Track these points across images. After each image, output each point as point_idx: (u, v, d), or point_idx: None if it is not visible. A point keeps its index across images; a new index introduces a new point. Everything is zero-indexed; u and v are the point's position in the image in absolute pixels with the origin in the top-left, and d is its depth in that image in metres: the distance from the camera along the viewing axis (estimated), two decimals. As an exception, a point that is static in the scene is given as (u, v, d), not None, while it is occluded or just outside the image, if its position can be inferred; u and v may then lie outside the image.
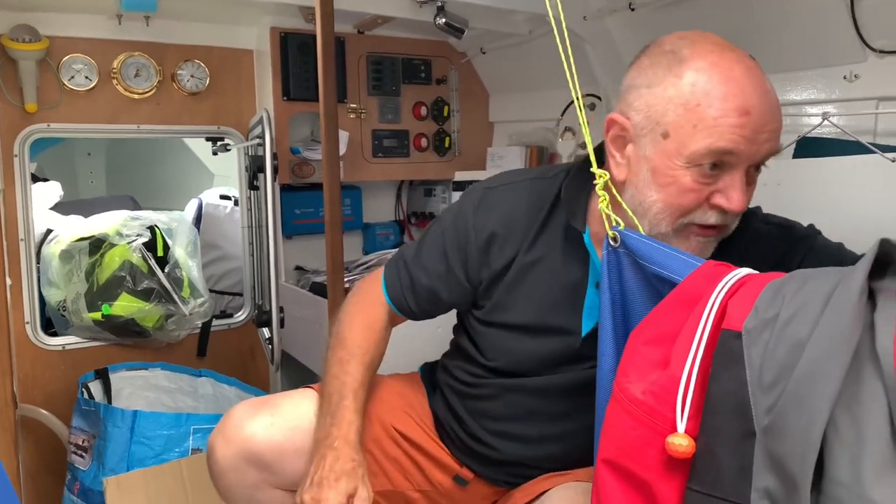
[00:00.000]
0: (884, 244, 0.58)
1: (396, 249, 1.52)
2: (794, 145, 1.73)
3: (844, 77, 1.62)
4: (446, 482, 1.28)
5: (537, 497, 1.17)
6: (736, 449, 0.60)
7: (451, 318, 1.35)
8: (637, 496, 0.69)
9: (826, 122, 1.65)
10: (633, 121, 0.97)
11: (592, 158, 0.91)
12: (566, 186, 1.12)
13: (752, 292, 0.65)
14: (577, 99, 0.94)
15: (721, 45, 0.99)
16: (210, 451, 1.21)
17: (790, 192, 1.69)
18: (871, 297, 0.58)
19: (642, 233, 0.87)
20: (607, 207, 0.86)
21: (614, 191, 0.88)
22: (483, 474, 1.26)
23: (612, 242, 0.85)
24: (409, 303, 1.26)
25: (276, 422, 1.20)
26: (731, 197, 0.93)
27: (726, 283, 0.67)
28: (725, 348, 0.63)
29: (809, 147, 1.70)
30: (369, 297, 1.30)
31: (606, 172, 0.89)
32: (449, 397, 1.28)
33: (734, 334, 0.63)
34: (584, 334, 1.11)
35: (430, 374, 1.39)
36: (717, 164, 0.92)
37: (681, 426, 0.63)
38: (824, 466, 0.56)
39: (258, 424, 1.19)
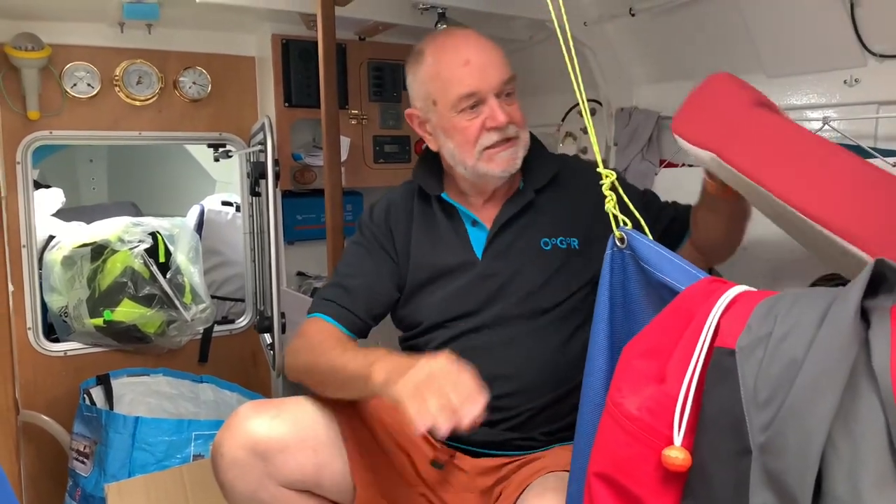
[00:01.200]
0: (878, 264, 0.59)
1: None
2: (794, 150, 1.73)
3: (845, 81, 1.62)
4: (428, 470, 1.29)
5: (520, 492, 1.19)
6: (731, 466, 0.61)
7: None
8: (631, 512, 0.69)
9: (827, 127, 1.65)
10: (418, 107, 1.37)
11: (599, 160, 0.92)
12: (415, 170, 1.47)
13: (745, 310, 0.65)
14: (583, 103, 0.94)
15: (446, 31, 1.39)
16: (216, 447, 1.22)
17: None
18: (865, 315, 0.58)
19: (648, 235, 0.85)
20: (614, 207, 0.86)
21: (621, 191, 0.88)
22: (461, 445, 1.29)
23: (618, 243, 0.84)
24: (353, 309, 1.34)
25: (282, 415, 1.23)
26: (495, 117, 1.27)
27: (723, 301, 0.67)
28: (718, 365, 0.63)
29: (810, 152, 1.70)
30: (315, 333, 1.32)
31: (613, 172, 0.89)
32: None
33: (727, 352, 0.63)
34: (479, 257, 1.36)
35: None
36: (473, 103, 1.27)
37: (677, 440, 0.63)
38: (822, 482, 0.56)
39: (263, 418, 1.21)
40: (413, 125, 1.41)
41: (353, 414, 1.30)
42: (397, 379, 1.01)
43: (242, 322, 2.66)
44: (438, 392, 0.94)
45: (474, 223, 1.39)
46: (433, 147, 1.38)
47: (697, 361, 0.65)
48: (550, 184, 1.38)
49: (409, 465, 1.30)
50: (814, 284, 1.60)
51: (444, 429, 0.91)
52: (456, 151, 1.32)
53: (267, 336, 2.20)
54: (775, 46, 1.74)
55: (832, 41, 1.60)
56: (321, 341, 1.29)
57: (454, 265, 1.36)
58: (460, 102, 1.28)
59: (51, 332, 2.44)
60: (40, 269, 2.36)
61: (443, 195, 1.40)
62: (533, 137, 1.41)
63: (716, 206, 1.26)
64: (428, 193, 1.42)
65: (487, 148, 1.29)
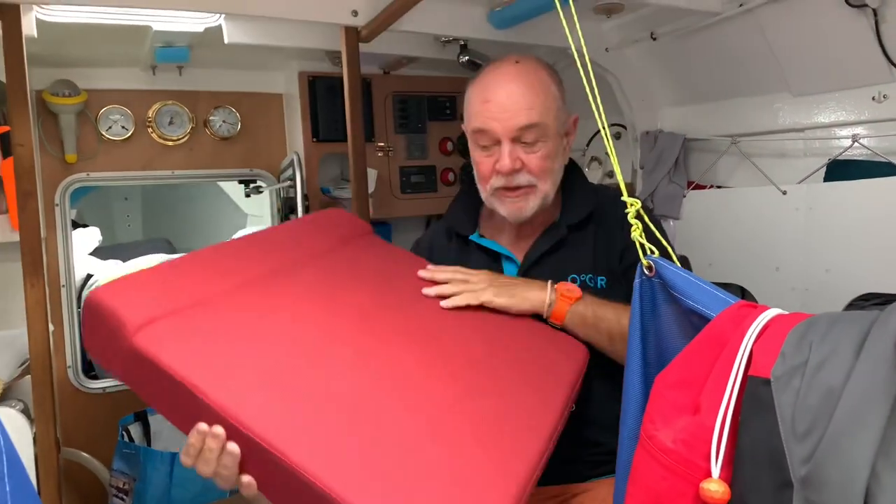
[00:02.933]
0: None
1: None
2: (824, 169, 1.71)
3: (873, 98, 1.60)
4: None
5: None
6: (772, 499, 0.59)
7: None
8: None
9: (856, 144, 1.63)
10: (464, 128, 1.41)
11: (623, 187, 0.90)
12: (448, 210, 1.54)
13: (778, 336, 0.64)
14: (604, 129, 0.94)
15: (500, 62, 1.35)
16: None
17: (822, 216, 1.67)
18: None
19: (676, 263, 0.85)
20: (641, 236, 0.84)
21: (647, 219, 0.87)
22: None
23: (646, 272, 0.83)
24: None
25: None
26: (501, 162, 1.28)
27: (755, 327, 0.66)
28: (754, 396, 0.62)
29: (840, 170, 1.68)
30: None
31: (638, 200, 0.88)
32: None
33: (762, 381, 0.62)
34: None
35: None
36: (488, 142, 1.30)
37: (715, 472, 0.62)
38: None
39: None
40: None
41: None
42: None
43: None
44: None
45: (507, 258, 1.40)
46: None
47: (732, 391, 0.64)
48: (585, 219, 1.37)
49: None
50: (849, 306, 1.57)
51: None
52: (476, 180, 1.39)
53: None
54: (800, 65, 1.73)
55: (858, 58, 1.59)
56: None
57: None
58: (474, 137, 1.33)
59: (89, 370, 2.49)
60: (79, 307, 2.41)
61: (471, 237, 1.43)
62: (576, 168, 1.43)
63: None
64: (461, 233, 1.45)
65: (497, 189, 1.32)
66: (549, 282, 1.25)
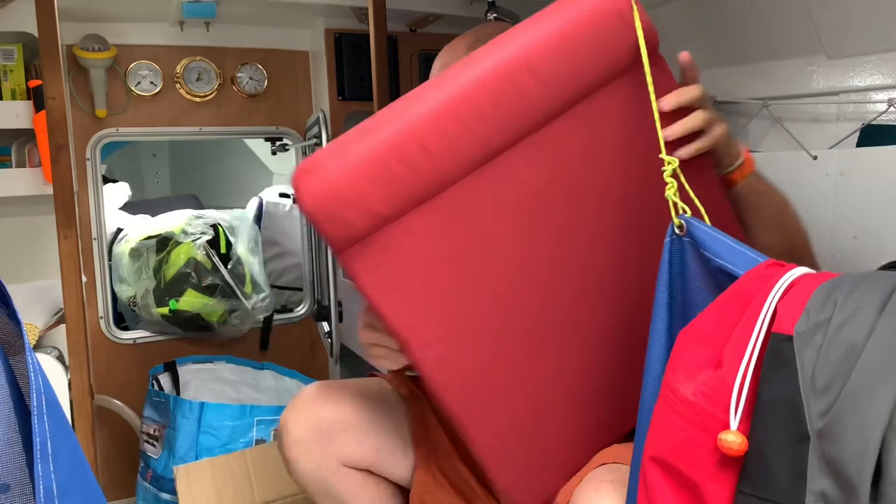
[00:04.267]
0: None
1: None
2: (857, 133, 1.68)
3: (911, 61, 1.57)
4: None
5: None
6: (789, 452, 0.61)
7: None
8: (687, 497, 0.69)
9: (892, 109, 1.59)
10: None
11: (662, 145, 0.88)
12: None
13: (802, 295, 0.64)
14: (651, 84, 0.93)
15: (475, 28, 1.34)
16: (282, 425, 1.26)
17: (854, 182, 1.65)
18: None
19: (707, 222, 0.85)
20: (675, 195, 0.84)
21: (682, 178, 0.86)
22: None
23: (677, 230, 0.83)
24: None
25: (345, 396, 1.26)
26: None
27: (781, 285, 0.66)
28: (776, 352, 0.63)
29: (874, 135, 1.65)
30: None
31: (676, 159, 0.86)
32: None
33: (784, 338, 0.62)
34: None
35: None
36: None
37: (734, 424, 0.63)
38: (882, 468, 0.55)
39: (326, 398, 1.25)
40: None
41: (418, 393, 1.33)
42: None
43: (301, 311, 2.73)
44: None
45: None
46: None
47: (754, 347, 0.65)
48: None
49: (467, 449, 1.32)
50: (881, 270, 1.56)
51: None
52: None
53: (325, 324, 2.26)
54: (836, 26, 1.68)
55: (897, 18, 1.54)
56: None
57: None
58: None
59: (121, 321, 2.56)
60: (110, 260, 2.47)
61: None
62: None
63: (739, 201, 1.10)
64: None
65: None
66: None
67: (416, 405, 1.31)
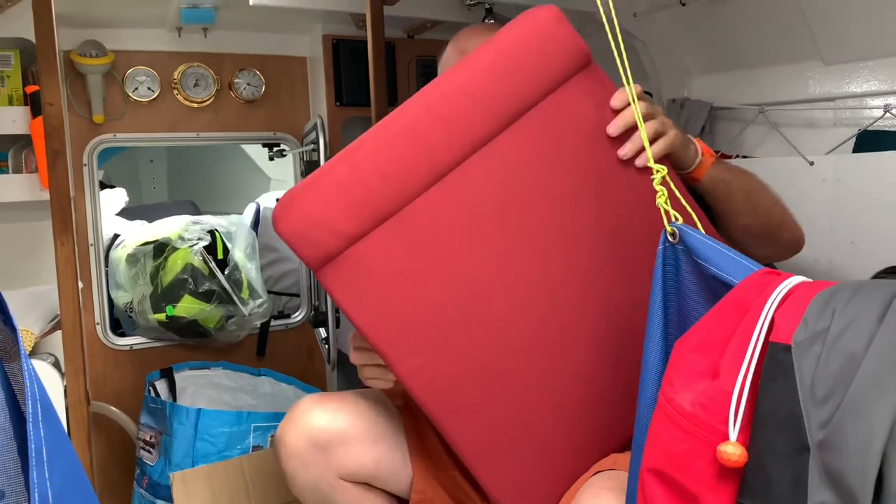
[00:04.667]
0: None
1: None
2: (853, 139, 1.68)
3: (907, 68, 1.57)
4: None
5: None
6: (789, 463, 0.60)
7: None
8: (686, 509, 0.69)
9: (888, 115, 1.60)
10: None
11: (650, 153, 0.90)
12: None
13: (801, 303, 0.64)
14: (632, 96, 0.94)
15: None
16: (279, 437, 1.26)
17: (851, 188, 1.65)
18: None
19: (700, 229, 0.85)
20: (666, 203, 0.84)
21: (672, 185, 0.87)
22: None
23: (669, 238, 0.83)
24: None
25: (342, 408, 1.25)
26: None
27: (778, 293, 0.66)
28: (774, 361, 0.63)
29: (871, 140, 1.65)
30: None
31: (664, 167, 0.87)
32: None
33: (783, 347, 0.62)
34: None
35: None
36: None
37: (733, 435, 0.63)
38: (884, 480, 0.55)
39: (324, 411, 1.24)
40: None
41: (413, 403, 1.32)
42: None
43: (298, 317, 2.72)
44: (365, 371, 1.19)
45: None
46: None
47: (752, 356, 0.65)
48: None
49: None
50: (873, 278, 1.56)
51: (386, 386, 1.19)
52: None
53: (322, 330, 2.25)
54: (832, 32, 1.69)
55: (893, 25, 1.55)
56: None
57: None
58: None
59: (117, 327, 2.55)
60: (106, 266, 2.46)
61: None
62: None
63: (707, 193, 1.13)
64: None
65: None
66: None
67: (413, 416, 1.30)
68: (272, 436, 1.30)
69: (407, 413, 1.30)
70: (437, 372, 1.01)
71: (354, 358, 1.16)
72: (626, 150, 1.01)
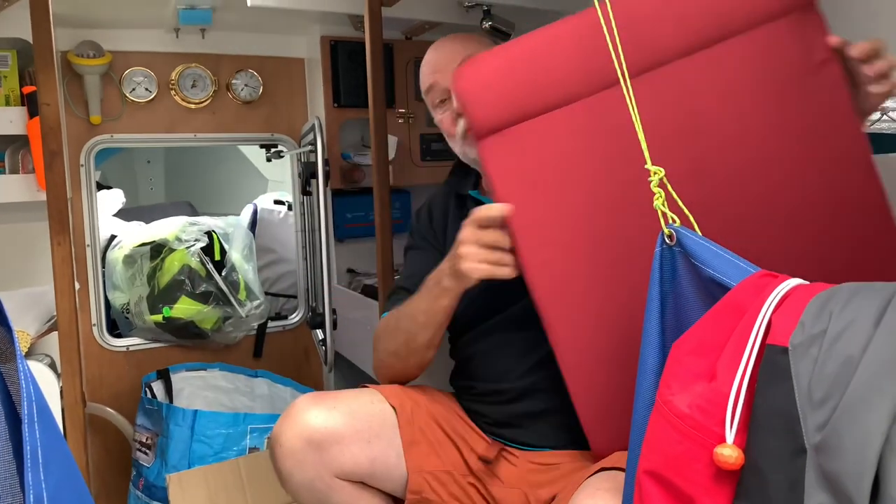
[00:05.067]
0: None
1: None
2: (852, 142, 1.68)
3: (905, 70, 1.57)
4: (476, 463, 1.30)
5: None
6: (785, 466, 0.60)
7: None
8: (683, 511, 0.68)
9: (885, 118, 1.60)
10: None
11: (647, 154, 0.89)
12: (451, 170, 1.54)
13: (798, 305, 0.64)
14: (630, 97, 0.93)
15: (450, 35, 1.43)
16: (275, 437, 1.26)
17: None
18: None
19: (697, 231, 0.85)
20: (663, 205, 0.84)
21: (670, 188, 0.86)
22: (511, 438, 1.32)
23: (667, 240, 0.83)
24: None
25: (338, 407, 1.26)
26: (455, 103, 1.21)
27: (775, 296, 0.66)
28: (771, 364, 0.63)
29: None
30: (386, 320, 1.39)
31: (662, 169, 0.87)
32: (472, 385, 1.39)
33: (780, 349, 0.62)
34: None
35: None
36: (441, 97, 1.37)
37: (729, 437, 0.63)
38: (881, 484, 0.55)
39: (320, 410, 1.24)
40: None
41: (408, 403, 1.33)
42: (448, 264, 1.16)
43: (295, 318, 2.72)
44: (475, 254, 1.08)
45: None
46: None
47: (749, 359, 0.65)
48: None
49: (458, 455, 1.32)
50: (873, 280, 1.56)
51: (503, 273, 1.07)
52: (450, 144, 1.41)
53: (319, 332, 2.25)
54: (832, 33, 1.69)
55: (889, 30, 1.55)
56: (393, 319, 1.35)
57: None
58: (428, 97, 1.41)
59: (114, 328, 2.54)
60: (103, 267, 2.45)
61: (470, 192, 1.43)
62: None
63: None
64: (460, 193, 1.46)
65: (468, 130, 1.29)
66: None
67: (408, 416, 1.31)
68: (269, 437, 1.30)
69: (402, 413, 1.30)
70: (563, 271, 1.01)
71: (468, 234, 1.10)
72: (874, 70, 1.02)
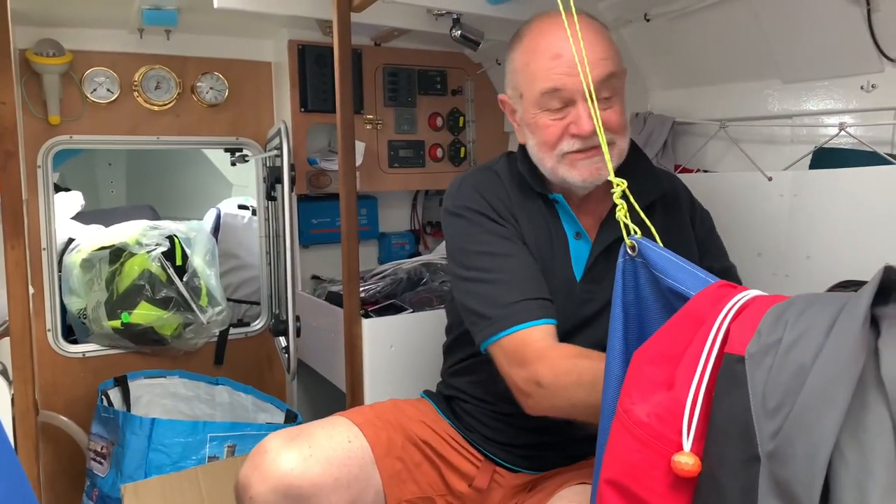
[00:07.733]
0: (888, 271, 0.58)
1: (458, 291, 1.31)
2: (810, 156, 1.72)
3: (861, 87, 1.61)
4: (464, 489, 1.29)
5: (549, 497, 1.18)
6: (740, 474, 0.60)
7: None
8: (640, 519, 0.68)
9: (843, 133, 1.64)
10: (509, 95, 1.28)
11: (610, 168, 0.90)
12: (520, 165, 1.30)
13: (755, 316, 0.64)
14: (595, 111, 0.94)
15: (549, 14, 1.20)
16: (243, 487, 1.18)
17: (806, 203, 1.69)
18: (875, 323, 0.58)
19: (659, 243, 0.85)
20: (625, 217, 0.84)
21: (632, 199, 0.87)
22: (508, 461, 1.29)
23: (629, 251, 0.84)
24: (541, 294, 1.15)
25: (314, 454, 1.17)
26: (579, 124, 1.14)
27: (732, 305, 0.67)
28: (729, 373, 0.63)
29: (826, 158, 1.69)
30: (529, 350, 1.11)
31: (624, 181, 0.87)
32: (470, 391, 1.33)
33: (737, 358, 0.63)
34: (578, 279, 1.25)
35: (437, 395, 1.43)
36: (560, 101, 1.16)
37: (686, 445, 0.63)
38: (830, 492, 0.56)
39: (294, 458, 1.16)
40: (505, 111, 1.32)
41: (383, 433, 1.28)
42: None
43: (258, 325, 2.68)
44: None
45: (577, 235, 1.27)
46: (520, 140, 1.28)
47: (706, 367, 0.65)
48: (654, 204, 1.27)
49: (437, 476, 1.30)
50: (831, 290, 1.59)
51: None
52: (535, 150, 1.23)
53: (282, 339, 2.22)
54: (791, 52, 1.73)
55: (849, 46, 1.59)
56: (574, 366, 1.05)
57: (554, 279, 1.23)
58: (543, 99, 1.17)
59: (69, 334, 2.48)
60: (60, 271, 2.39)
61: (554, 196, 1.27)
62: (637, 148, 1.30)
63: None
64: (530, 188, 1.28)
65: (568, 153, 1.18)
66: None
67: (384, 448, 1.26)
68: (236, 483, 1.19)
69: (377, 446, 1.26)
70: None
71: None
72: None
